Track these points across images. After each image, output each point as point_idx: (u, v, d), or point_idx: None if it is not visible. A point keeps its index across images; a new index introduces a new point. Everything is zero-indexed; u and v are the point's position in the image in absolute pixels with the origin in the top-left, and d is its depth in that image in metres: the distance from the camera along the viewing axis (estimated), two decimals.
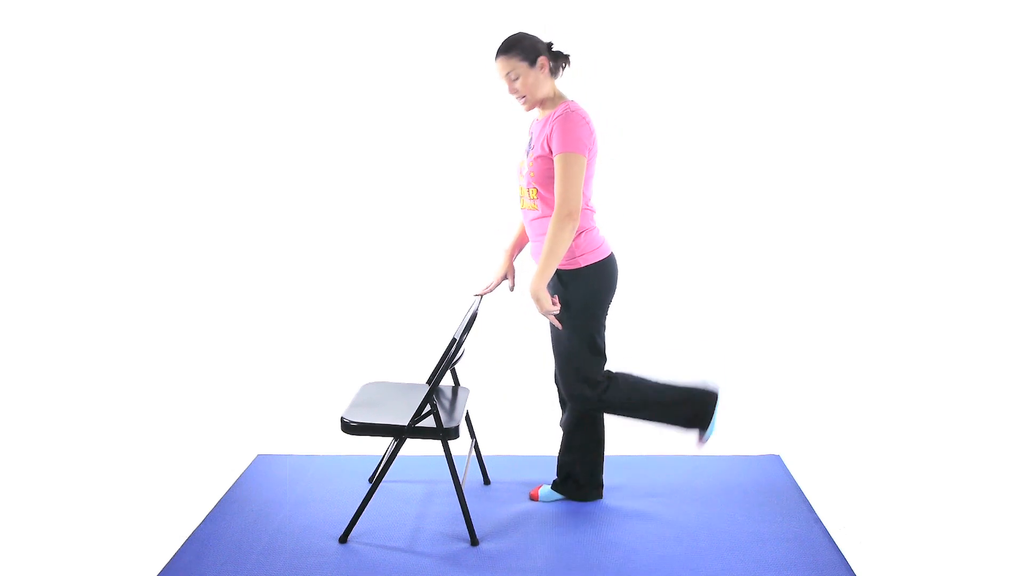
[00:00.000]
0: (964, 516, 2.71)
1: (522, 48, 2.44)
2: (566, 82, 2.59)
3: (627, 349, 4.24)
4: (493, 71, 2.50)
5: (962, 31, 4.16)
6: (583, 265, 2.48)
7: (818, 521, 2.66)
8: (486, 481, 2.96)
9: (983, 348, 4.08)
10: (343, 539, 2.55)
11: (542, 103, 2.52)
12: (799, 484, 2.92)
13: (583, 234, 2.49)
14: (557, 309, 2.48)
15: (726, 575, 2.37)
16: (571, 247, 2.47)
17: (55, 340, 4.14)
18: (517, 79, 2.45)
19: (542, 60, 2.45)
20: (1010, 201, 4.24)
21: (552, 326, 2.57)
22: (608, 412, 2.65)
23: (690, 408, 2.61)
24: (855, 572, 2.38)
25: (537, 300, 2.44)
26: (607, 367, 2.64)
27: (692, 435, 2.66)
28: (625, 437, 3.33)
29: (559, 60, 2.52)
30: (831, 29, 4.27)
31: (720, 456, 3.16)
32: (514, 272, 2.78)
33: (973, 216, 4.31)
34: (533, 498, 2.84)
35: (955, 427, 3.41)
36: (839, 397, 3.75)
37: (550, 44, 2.51)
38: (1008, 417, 3.48)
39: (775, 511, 2.73)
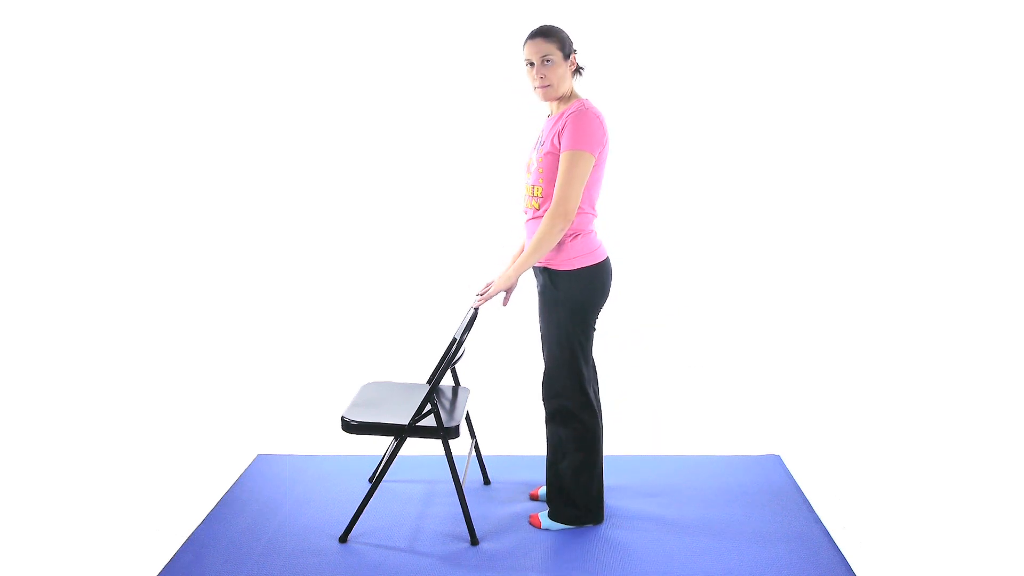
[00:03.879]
0: (964, 516, 2.71)
1: (562, 38, 2.43)
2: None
3: (627, 349, 4.26)
4: (508, 64, 2.47)
5: (962, 31, 4.17)
6: (578, 267, 2.46)
7: (818, 521, 2.66)
8: (486, 481, 2.96)
9: (983, 348, 4.08)
10: (343, 539, 2.55)
11: (559, 99, 2.49)
12: (799, 484, 2.92)
13: (579, 237, 2.46)
14: (487, 301, 2.53)
15: (726, 575, 2.37)
16: (568, 249, 2.45)
17: (56, 341, 4.15)
18: (549, 63, 2.40)
19: (573, 57, 2.47)
20: (1009, 201, 4.24)
21: (544, 326, 2.55)
22: (554, 429, 2.59)
23: (584, 504, 2.61)
24: (855, 572, 2.38)
25: (499, 285, 2.50)
26: (605, 413, 2.63)
27: (547, 511, 2.66)
28: (625, 437, 3.34)
29: (578, 68, 2.53)
30: (831, 29, 4.27)
31: (720, 456, 3.16)
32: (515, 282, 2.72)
33: (972, 216, 4.31)
34: (533, 498, 2.84)
35: (955, 427, 3.41)
36: (839, 397, 3.76)
37: (576, 50, 2.52)
38: (1008, 417, 3.48)
39: (775, 511, 2.73)
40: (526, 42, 2.44)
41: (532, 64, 2.43)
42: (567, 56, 2.43)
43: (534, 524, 2.67)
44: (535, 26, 2.46)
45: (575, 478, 2.59)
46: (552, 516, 2.65)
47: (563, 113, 2.43)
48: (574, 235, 2.46)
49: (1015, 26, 4.11)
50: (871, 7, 4.22)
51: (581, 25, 4.19)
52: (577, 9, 4.22)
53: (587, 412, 2.56)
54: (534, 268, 2.58)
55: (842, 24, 4.26)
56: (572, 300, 2.48)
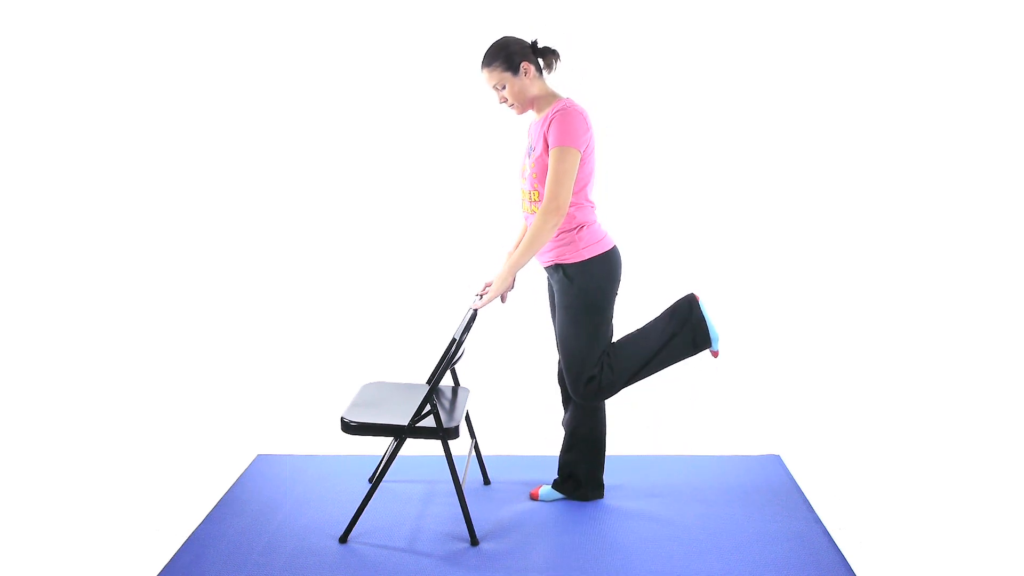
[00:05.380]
0: (964, 516, 2.71)
1: (502, 58, 2.46)
2: (563, 80, 2.59)
3: None
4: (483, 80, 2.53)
5: (962, 31, 4.17)
6: (588, 258, 2.49)
7: (818, 521, 2.66)
8: (486, 481, 2.96)
9: (983, 348, 4.08)
10: (343, 539, 2.55)
11: (536, 104, 2.52)
12: (799, 484, 2.92)
13: (585, 228, 2.50)
14: (487, 303, 2.54)
15: (726, 575, 2.37)
16: (577, 241, 2.48)
17: (56, 341, 4.15)
18: (504, 88, 2.49)
19: (525, 65, 2.46)
20: (1009, 201, 4.24)
21: (562, 322, 2.56)
22: (620, 388, 2.60)
23: (687, 332, 2.60)
24: (855, 572, 2.38)
25: (498, 287, 2.50)
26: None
27: (704, 353, 2.67)
28: (625, 437, 3.34)
29: (548, 57, 2.53)
30: (830, 26, 4.27)
31: (720, 456, 3.16)
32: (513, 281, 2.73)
33: (972, 216, 4.31)
34: (533, 497, 2.84)
35: (955, 427, 3.41)
36: (839, 397, 3.75)
37: (534, 43, 2.51)
38: (1008, 417, 3.48)
39: (775, 511, 2.73)
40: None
41: None
42: (516, 70, 2.46)
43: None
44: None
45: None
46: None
47: (546, 116, 2.46)
48: (580, 227, 2.49)
49: (1015, 26, 4.10)
50: (871, 6, 4.21)
51: (582, 25, 4.20)
52: (577, 9, 4.22)
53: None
54: (548, 270, 2.61)
55: (844, 22, 4.26)
56: (589, 291, 2.50)
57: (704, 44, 4.31)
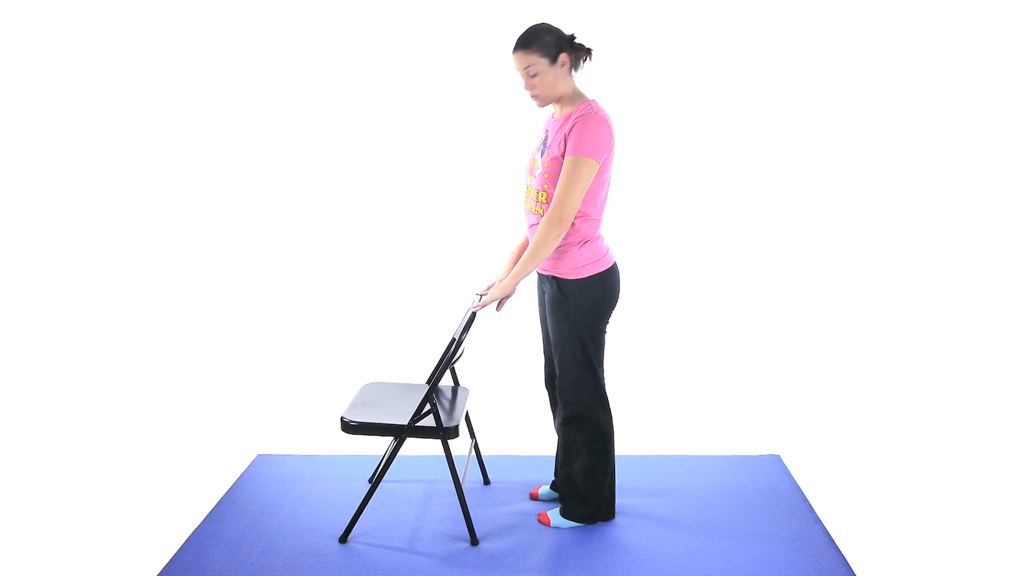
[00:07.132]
0: (964, 516, 2.71)
1: (542, 44, 2.31)
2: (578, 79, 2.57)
3: (629, 350, 4.25)
4: (509, 62, 2.38)
5: (962, 31, 4.17)
6: (586, 275, 2.42)
7: (818, 521, 2.66)
8: (486, 481, 2.96)
9: (982, 348, 4.08)
10: (343, 539, 2.55)
11: (559, 100, 2.41)
12: (799, 484, 2.92)
13: (588, 243, 2.41)
14: (483, 308, 2.48)
15: (726, 575, 2.37)
16: (577, 256, 2.40)
17: (56, 341, 4.15)
18: (535, 76, 2.34)
19: (563, 57, 2.33)
20: (1009, 201, 4.24)
21: (556, 335, 2.50)
22: (569, 432, 2.57)
23: (596, 503, 2.61)
24: (855, 572, 2.38)
25: (497, 293, 2.42)
26: (613, 413, 2.62)
27: (556, 508, 2.68)
28: (625, 437, 3.34)
29: (580, 53, 2.39)
30: (832, 29, 4.27)
31: (720, 456, 3.16)
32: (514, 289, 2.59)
33: (972, 216, 4.31)
34: (533, 497, 2.84)
35: (955, 427, 3.41)
36: (839, 397, 3.75)
37: (572, 36, 2.38)
38: (1008, 417, 3.48)
39: (775, 511, 2.73)
40: (512, 53, 2.36)
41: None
42: (555, 59, 2.33)
43: (543, 522, 2.66)
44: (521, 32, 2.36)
45: (588, 479, 2.59)
46: (565, 514, 2.64)
47: (569, 115, 2.35)
48: (582, 242, 2.41)
49: (1015, 26, 4.11)
50: (873, 8, 4.21)
51: (584, 26, 4.20)
52: (578, 9, 4.22)
53: (603, 416, 2.55)
54: (541, 276, 2.56)
55: (845, 29, 4.26)
56: (583, 308, 2.44)
57: (709, 55, 4.31)
